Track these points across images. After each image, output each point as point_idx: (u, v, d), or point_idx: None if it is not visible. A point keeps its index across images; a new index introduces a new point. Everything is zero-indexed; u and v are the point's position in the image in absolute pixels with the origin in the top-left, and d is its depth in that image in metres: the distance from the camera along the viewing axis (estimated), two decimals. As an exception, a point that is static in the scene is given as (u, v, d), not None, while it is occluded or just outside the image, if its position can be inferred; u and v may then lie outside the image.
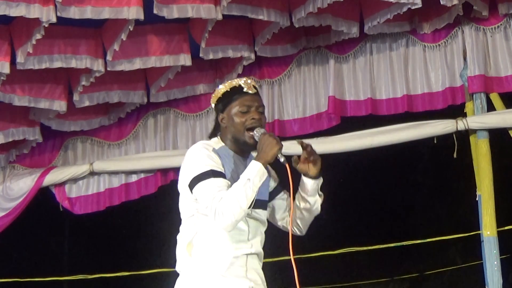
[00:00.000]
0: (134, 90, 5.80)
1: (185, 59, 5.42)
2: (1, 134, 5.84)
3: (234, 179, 3.23)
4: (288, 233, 3.30)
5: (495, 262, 5.08)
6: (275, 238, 3.56)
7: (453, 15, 5.22)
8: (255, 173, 3.14)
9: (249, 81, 3.35)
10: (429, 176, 10.66)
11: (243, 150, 3.34)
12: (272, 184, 3.42)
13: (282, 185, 3.42)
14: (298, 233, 3.43)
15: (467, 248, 9.22)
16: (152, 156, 6.00)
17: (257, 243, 3.32)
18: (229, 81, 3.38)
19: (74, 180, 6.13)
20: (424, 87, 5.43)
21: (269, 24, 5.28)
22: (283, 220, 3.43)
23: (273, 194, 3.42)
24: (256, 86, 3.37)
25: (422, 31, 5.42)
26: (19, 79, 5.40)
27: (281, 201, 3.43)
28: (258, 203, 3.27)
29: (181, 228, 3.33)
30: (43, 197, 6.25)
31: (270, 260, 4.26)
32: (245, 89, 3.31)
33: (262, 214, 3.35)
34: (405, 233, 8.77)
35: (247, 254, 3.28)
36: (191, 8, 4.96)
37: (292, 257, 3.14)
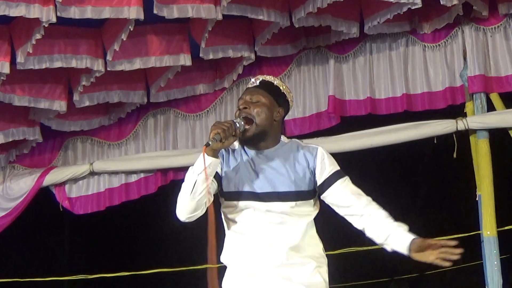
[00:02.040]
0: (134, 90, 5.80)
1: (185, 59, 5.42)
2: (1, 134, 5.84)
3: (236, 172, 3.34)
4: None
5: (495, 262, 5.08)
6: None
7: (453, 15, 5.23)
8: (197, 160, 3.24)
9: (260, 76, 3.46)
10: (429, 176, 10.65)
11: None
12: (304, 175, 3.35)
13: (333, 178, 3.36)
14: None
15: (467, 248, 9.20)
16: (152, 156, 6.00)
17: (275, 251, 3.30)
18: None
19: (74, 180, 6.14)
20: (424, 86, 5.44)
21: (269, 24, 5.28)
22: (346, 216, 3.42)
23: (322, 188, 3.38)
24: (264, 79, 3.42)
25: (422, 31, 5.43)
26: (19, 79, 5.40)
27: (333, 196, 3.38)
28: (263, 196, 3.30)
29: None
30: (43, 197, 6.25)
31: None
32: (248, 85, 3.44)
33: (278, 208, 3.31)
34: (405, 233, 8.75)
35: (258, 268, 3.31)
36: (191, 8, 4.96)
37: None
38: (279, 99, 3.39)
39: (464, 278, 9.78)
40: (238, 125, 3.28)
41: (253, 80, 3.44)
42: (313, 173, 3.34)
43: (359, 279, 10.14)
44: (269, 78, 3.44)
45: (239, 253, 3.36)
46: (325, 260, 3.40)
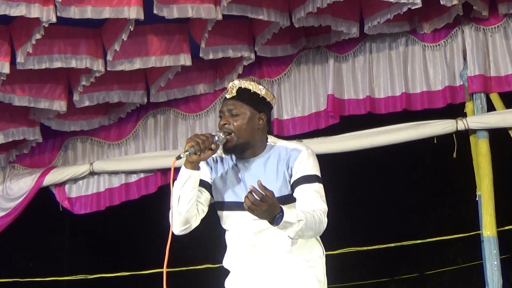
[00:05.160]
0: (134, 90, 5.80)
1: (185, 59, 5.42)
2: (1, 134, 5.84)
3: (223, 181, 3.37)
4: None
5: (495, 262, 5.08)
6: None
7: (453, 15, 5.23)
8: (179, 174, 3.28)
9: (235, 82, 3.39)
10: (429, 176, 10.65)
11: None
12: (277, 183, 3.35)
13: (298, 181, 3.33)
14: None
15: (467, 248, 9.22)
16: (152, 156, 6.00)
17: (265, 255, 3.33)
18: None
19: (74, 180, 6.13)
20: (423, 86, 5.44)
21: (269, 24, 5.28)
22: None
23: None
24: (240, 87, 3.37)
25: (422, 31, 5.43)
26: (19, 79, 5.39)
27: (297, 199, 3.35)
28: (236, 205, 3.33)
29: None
30: (43, 197, 6.24)
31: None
32: (225, 94, 3.39)
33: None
34: (405, 233, 8.76)
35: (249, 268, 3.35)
36: (191, 8, 4.96)
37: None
38: (259, 106, 3.36)
39: (464, 278, 9.79)
40: (217, 138, 3.28)
41: (230, 86, 3.38)
42: (290, 175, 3.32)
43: (359, 279, 10.15)
44: (245, 84, 3.37)
45: (234, 259, 3.41)
46: (321, 260, 3.40)
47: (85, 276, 6.69)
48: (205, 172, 3.39)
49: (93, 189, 6.15)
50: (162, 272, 3.22)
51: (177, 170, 3.30)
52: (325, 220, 3.25)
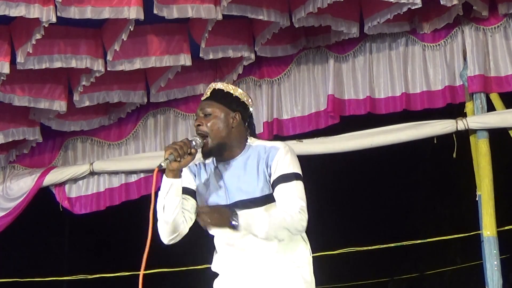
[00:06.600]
0: (134, 90, 5.81)
1: (185, 59, 5.43)
2: (1, 134, 5.84)
3: (206, 186, 3.40)
4: None
5: (495, 262, 5.08)
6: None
7: (453, 15, 5.23)
8: (161, 185, 3.29)
9: (211, 85, 3.44)
10: (429, 176, 10.65)
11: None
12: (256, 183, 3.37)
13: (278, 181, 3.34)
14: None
15: (467, 248, 9.21)
16: (152, 156, 6.00)
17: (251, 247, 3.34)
18: None
19: (74, 180, 6.14)
20: (423, 86, 5.44)
21: (269, 24, 5.28)
22: None
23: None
24: (215, 88, 3.42)
25: (422, 31, 5.43)
26: (19, 79, 5.40)
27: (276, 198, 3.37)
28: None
29: None
30: (43, 197, 6.25)
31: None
32: (202, 97, 3.45)
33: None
34: (405, 233, 8.77)
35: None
36: (191, 8, 4.96)
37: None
38: (232, 105, 3.39)
39: (464, 278, 9.78)
40: (194, 143, 3.30)
41: (209, 86, 3.45)
42: (269, 174, 3.34)
43: (359, 279, 10.14)
44: (220, 85, 3.43)
45: (221, 262, 3.43)
46: (308, 260, 3.41)
47: (85, 276, 6.68)
48: (189, 179, 3.43)
49: (93, 189, 6.15)
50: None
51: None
52: (303, 216, 3.26)
